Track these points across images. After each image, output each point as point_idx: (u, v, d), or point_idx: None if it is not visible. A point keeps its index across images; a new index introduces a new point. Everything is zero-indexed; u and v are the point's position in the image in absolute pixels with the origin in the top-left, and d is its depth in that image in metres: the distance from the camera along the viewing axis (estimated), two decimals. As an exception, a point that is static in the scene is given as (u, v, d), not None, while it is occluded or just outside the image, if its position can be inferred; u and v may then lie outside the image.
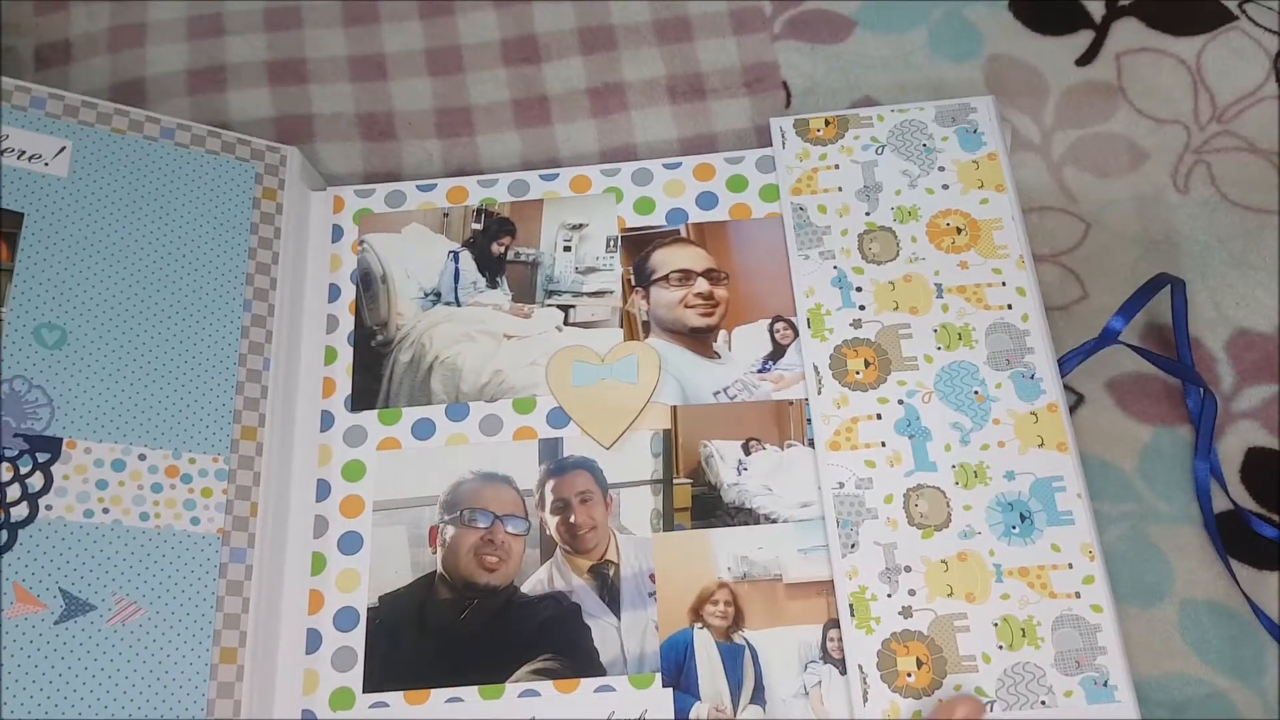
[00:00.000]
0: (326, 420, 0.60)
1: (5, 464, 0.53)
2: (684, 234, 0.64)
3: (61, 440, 0.55)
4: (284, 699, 0.55)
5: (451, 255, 0.64)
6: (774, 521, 0.57)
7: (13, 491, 0.53)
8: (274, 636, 0.56)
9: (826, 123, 0.65)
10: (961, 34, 0.72)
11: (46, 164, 0.58)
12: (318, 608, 0.57)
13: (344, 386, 0.61)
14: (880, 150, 0.63)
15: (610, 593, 0.57)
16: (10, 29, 0.74)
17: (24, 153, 0.58)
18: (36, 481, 0.54)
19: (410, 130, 0.72)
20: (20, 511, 0.53)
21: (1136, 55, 0.71)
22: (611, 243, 0.64)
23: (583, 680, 0.56)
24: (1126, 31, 0.71)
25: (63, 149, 0.59)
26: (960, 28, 0.73)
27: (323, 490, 0.59)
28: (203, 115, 0.71)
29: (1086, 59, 0.71)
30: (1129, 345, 0.61)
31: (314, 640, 0.56)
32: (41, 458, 0.54)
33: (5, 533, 0.53)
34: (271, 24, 0.74)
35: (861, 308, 0.60)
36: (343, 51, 0.74)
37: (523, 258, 0.64)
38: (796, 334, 0.61)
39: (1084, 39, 0.72)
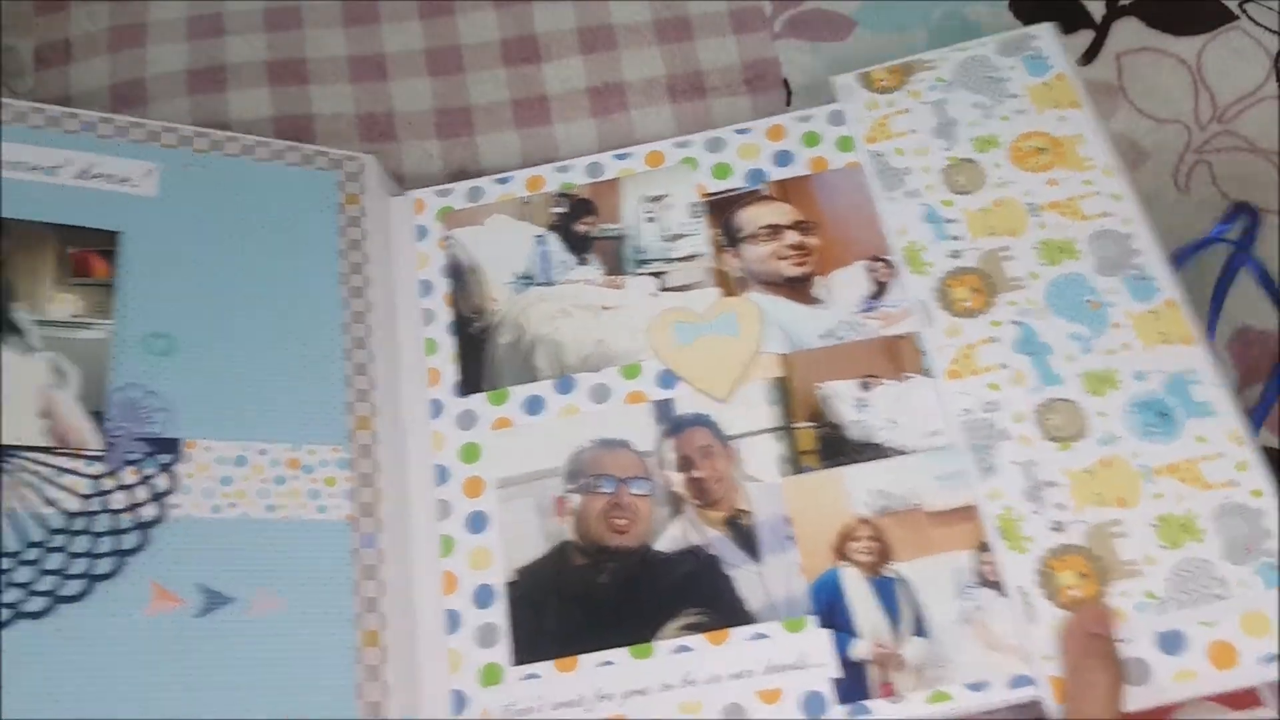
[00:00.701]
0: (436, 408, 0.61)
1: (129, 468, 0.54)
2: (765, 192, 0.65)
3: (180, 441, 0.55)
4: (430, 679, 0.54)
5: (538, 239, 0.65)
6: (904, 453, 0.57)
7: (140, 493, 0.54)
8: (412, 619, 0.55)
9: (889, 72, 0.67)
10: (962, 34, 0.73)
11: (136, 186, 0.60)
12: (452, 588, 0.56)
13: (449, 374, 0.62)
14: (948, 88, 0.65)
15: (747, 541, 0.57)
16: (10, 29, 0.75)
17: (114, 176, 0.60)
18: (162, 482, 0.54)
19: (410, 130, 0.73)
20: (149, 512, 0.53)
21: (1137, 55, 0.72)
22: (695, 209, 0.65)
23: (733, 630, 0.55)
24: (1127, 31, 0.73)
25: (150, 171, 0.61)
26: (960, 28, 0.74)
27: (441, 475, 0.59)
28: (202, 115, 0.72)
29: (1087, 59, 0.73)
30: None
31: (453, 620, 0.56)
32: (164, 459, 0.55)
33: (138, 534, 0.53)
34: (271, 24, 0.74)
35: (956, 238, 0.61)
36: (343, 51, 0.74)
37: (607, 233, 0.65)
38: (895, 271, 0.61)
39: (1084, 39, 0.73)
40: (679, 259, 0.64)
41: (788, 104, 0.73)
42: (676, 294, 0.63)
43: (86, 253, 0.58)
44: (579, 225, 0.65)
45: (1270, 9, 0.72)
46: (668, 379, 0.60)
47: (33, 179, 0.59)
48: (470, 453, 0.59)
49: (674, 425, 0.59)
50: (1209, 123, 0.70)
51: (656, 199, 0.65)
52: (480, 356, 0.62)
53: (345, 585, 0.54)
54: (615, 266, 0.64)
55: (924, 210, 0.62)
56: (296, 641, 0.53)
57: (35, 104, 0.61)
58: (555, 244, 0.65)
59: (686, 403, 0.60)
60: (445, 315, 0.63)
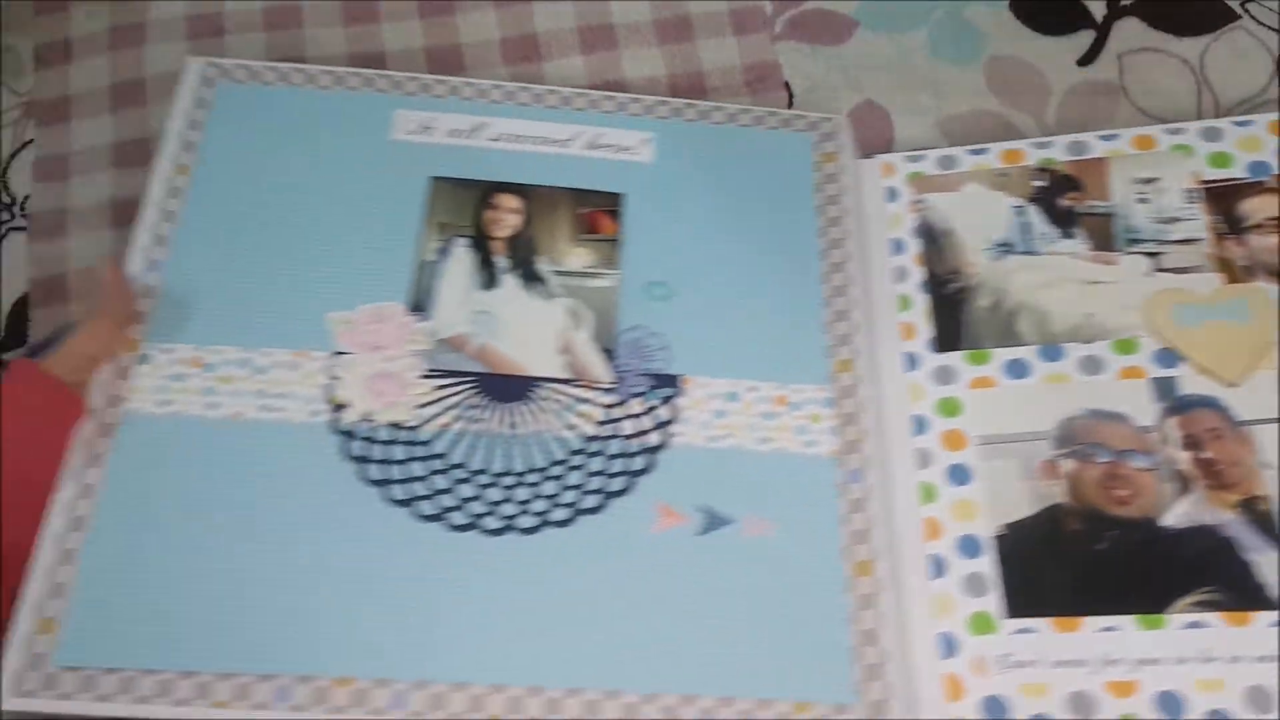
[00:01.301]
0: (912, 361, 0.61)
1: (636, 400, 0.58)
2: (1272, 184, 0.63)
3: (679, 377, 0.58)
4: (916, 619, 0.54)
5: (1017, 210, 0.65)
6: None
7: (645, 422, 0.57)
8: (894, 559, 0.56)
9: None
10: (962, 34, 0.73)
11: (636, 153, 0.66)
12: (936, 535, 0.56)
13: (924, 330, 0.62)
14: None
15: (1265, 527, 0.54)
16: (10, 29, 0.76)
17: (617, 145, 0.66)
18: (664, 414, 0.58)
19: None
20: (654, 439, 0.57)
21: (1138, 55, 0.71)
22: (1191, 194, 0.64)
23: (1255, 614, 0.51)
24: (1128, 31, 0.72)
25: (647, 140, 0.66)
26: (961, 28, 0.73)
27: (919, 425, 0.59)
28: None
29: (1088, 59, 0.72)
30: None
31: (937, 566, 0.55)
32: (665, 392, 0.58)
33: (644, 458, 0.56)
34: (271, 23, 0.75)
35: None
36: (343, 50, 0.75)
37: (1096, 210, 0.64)
38: None
39: (1085, 39, 0.72)
40: (1175, 241, 0.62)
41: (789, 105, 0.72)
42: (1173, 275, 0.61)
43: (596, 212, 0.63)
44: (1062, 200, 0.65)
45: (1271, 9, 0.71)
46: (1167, 357, 0.59)
47: (550, 150, 0.65)
48: (949, 407, 0.59)
49: (1178, 404, 0.57)
50: (1214, 124, 0.66)
51: (1148, 181, 0.64)
52: (957, 316, 0.62)
53: (832, 516, 0.55)
54: (1104, 243, 0.63)
55: None
56: (789, 565, 0.54)
57: (551, 87, 0.68)
58: (1036, 216, 0.64)
59: (1190, 383, 0.58)
60: (917, 274, 0.64)
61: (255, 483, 0.54)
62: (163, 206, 0.61)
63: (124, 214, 0.68)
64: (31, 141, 0.73)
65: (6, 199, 0.71)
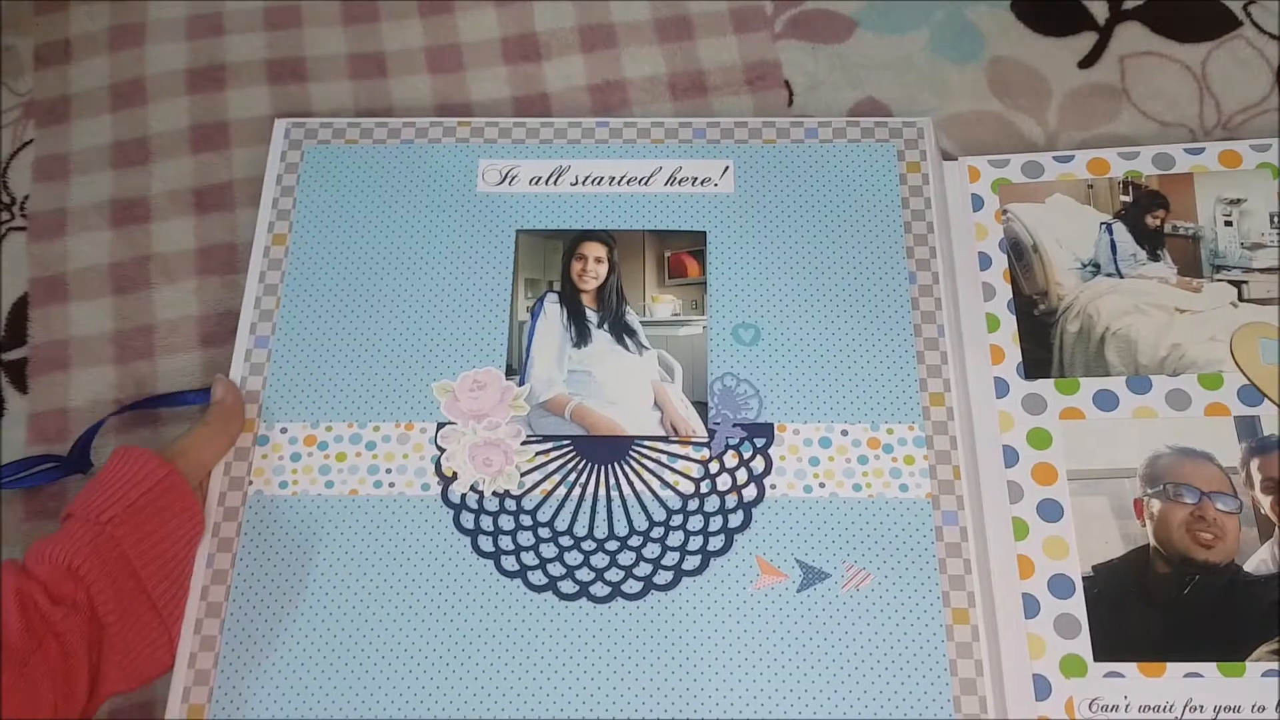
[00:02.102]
0: (1001, 387, 0.63)
1: (730, 451, 0.61)
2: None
3: (773, 425, 0.61)
4: (1012, 662, 0.57)
5: (1104, 227, 0.66)
6: None
7: (741, 475, 0.60)
8: (990, 600, 0.59)
9: None
10: (963, 35, 0.73)
11: (716, 184, 0.67)
12: (1029, 573, 0.59)
13: (1012, 354, 0.64)
14: None
15: (1346, 574, 0.56)
16: (10, 29, 0.77)
17: (697, 179, 0.67)
18: (758, 465, 0.60)
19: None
20: (750, 492, 0.60)
21: (1140, 59, 0.72)
22: (1275, 218, 0.64)
23: (1332, 662, 0.55)
24: (1130, 35, 0.73)
25: (726, 168, 0.67)
26: (962, 29, 0.74)
27: (1010, 456, 0.61)
28: (201, 114, 0.74)
29: (1089, 61, 0.72)
30: None
31: (1031, 605, 0.59)
32: (759, 442, 0.61)
33: (742, 513, 0.59)
34: (271, 23, 0.76)
35: None
36: (342, 50, 0.75)
37: (1181, 231, 0.65)
38: None
39: (1086, 41, 0.73)
40: (1260, 269, 0.63)
41: (789, 104, 0.73)
42: (1258, 307, 0.63)
43: (681, 254, 0.65)
44: (1149, 218, 0.66)
45: (1272, 14, 0.72)
46: (1250, 395, 0.61)
47: (633, 191, 0.66)
48: (1040, 439, 0.62)
49: (1260, 445, 0.60)
50: (1214, 128, 0.70)
51: (1234, 202, 0.65)
52: (1045, 341, 0.64)
53: (930, 563, 0.58)
54: (1190, 267, 0.64)
55: None
56: (887, 617, 0.57)
57: (628, 119, 0.69)
58: (1123, 234, 0.66)
59: (1273, 423, 0.60)
60: (1005, 292, 0.65)
61: (378, 559, 0.58)
62: (265, 280, 0.64)
63: (123, 214, 0.71)
64: (31, 141, 0.74)
65: (6, 199, 0.73)
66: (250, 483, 0.59)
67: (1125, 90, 0.72)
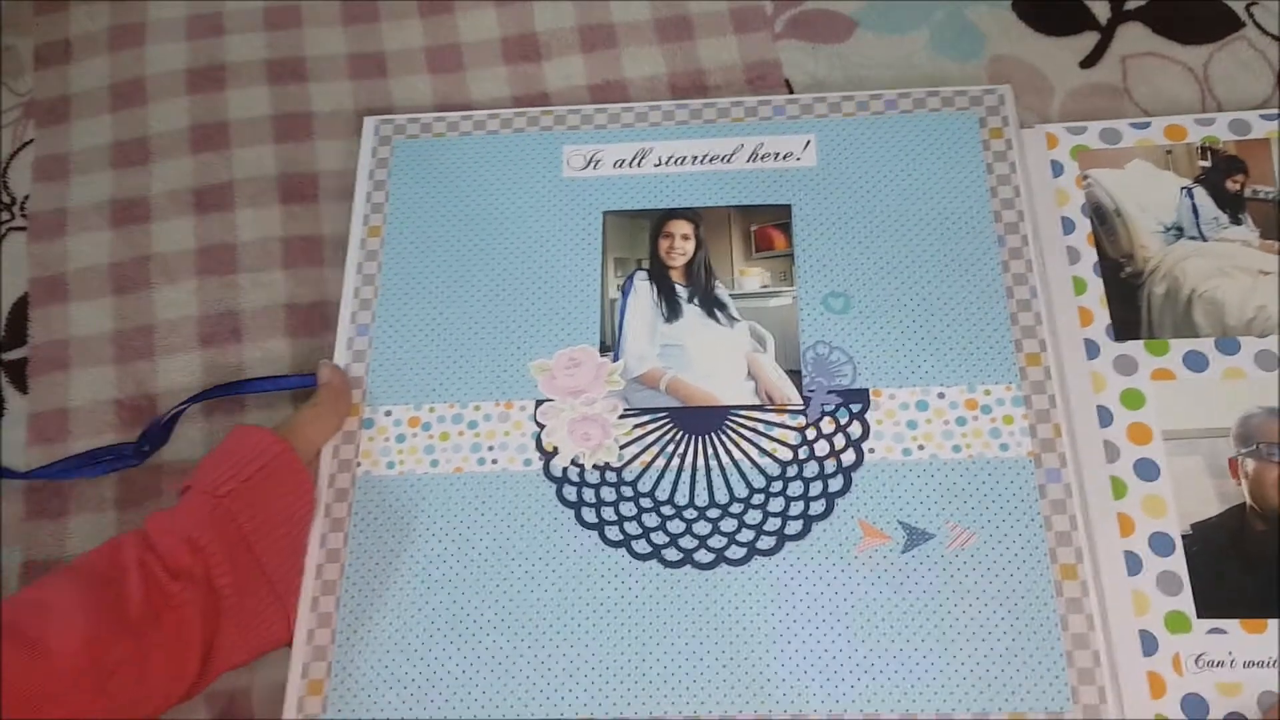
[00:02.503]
0: (1092, 349, 0.63)
1: (827, 418, 0.62)
2: None
3: (868, 390, 0.62)
4: (1118, 619, 0.58)
5: (1185, 191, 0.66)
6: None
7: (839, 441, 0.61)
8: (1096, 557, 0.59)
9: None
10: (963, 34, 0.74)
11: (799, 159, 0.68)
12: (1129, 531, 0.59)
13: (1100, 316, 0.64)
14: None
15: None
16: (10, 29, 0.77)
17: (779, 154, 0.68)
18: (855, 430, 0.61)
19: None
20: (849, 457, 0.61)
21: (1142, 59, 0.73)
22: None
23: None
24: (1131, 35, 0.73)
25: (808, 142, 0.68)
26: (962, 28, 0.74)
27: (1104, 417, 0.62)
28: (202, 114, 0.75)
29: (1091, 61, 0.73)
30: None
31: (1134, 563, 0.59)
32: (855, 408, 0.62)
33: (841, 477, 0.60)
34: (271, 23, 0.77)
35: None
36: (342, 50, 0.76)
37: (1261, 195, 0.66)
38: None
39: (1088, 41, 0.74)
40: (1345, 229, 0.63)
41: None
42: (1338, 267, 0.62)
43: (767, 228, 0.66)
44: (1229, 183, 0.66)
45: (1272, 13, 0.73)
46: (1337, 354, 0.60)
47: (716, 169, 0.68)
48: (1133, 399, 0.62)
49: (1348, 400, 0.59)
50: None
51: (1312, 165, 0.65)
52: (1134, 303, 0.64)
53: (1035, 520, 0.59)
54: (1272, 230, 0.65)
55: None
56: (995, 574, 0.58)
57: (708, 100, 0.70)
58: (1204, 199, 0.66)
59: (1360, 377, 0.59)
60: (1090, 255, 0.66)
61: (484, 533, 0.59)
62: (363, 271, 0.66)
63: (123, 214, 0.72)
64: (31, 141, 0.75)
65: (6, 199, 0.74)
66: (359, 464, 0.61)
67: (1127, 90, 0.72)
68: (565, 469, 0.61)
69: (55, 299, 0.71)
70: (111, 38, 0.77)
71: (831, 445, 0.61)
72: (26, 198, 0.74)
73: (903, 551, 0.58)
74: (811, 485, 0.60)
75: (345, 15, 0.77)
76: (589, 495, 0.60)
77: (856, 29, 0.75)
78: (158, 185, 0.73)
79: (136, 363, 0.69)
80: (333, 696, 0.56)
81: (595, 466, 0.61)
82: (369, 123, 0.70)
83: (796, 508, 0.59)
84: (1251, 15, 0.73)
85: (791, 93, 0.73)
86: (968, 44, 0.74)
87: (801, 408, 0.61)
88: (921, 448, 0.60)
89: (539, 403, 0.62)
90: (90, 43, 0.77)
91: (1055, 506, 0.58)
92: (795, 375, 0.62)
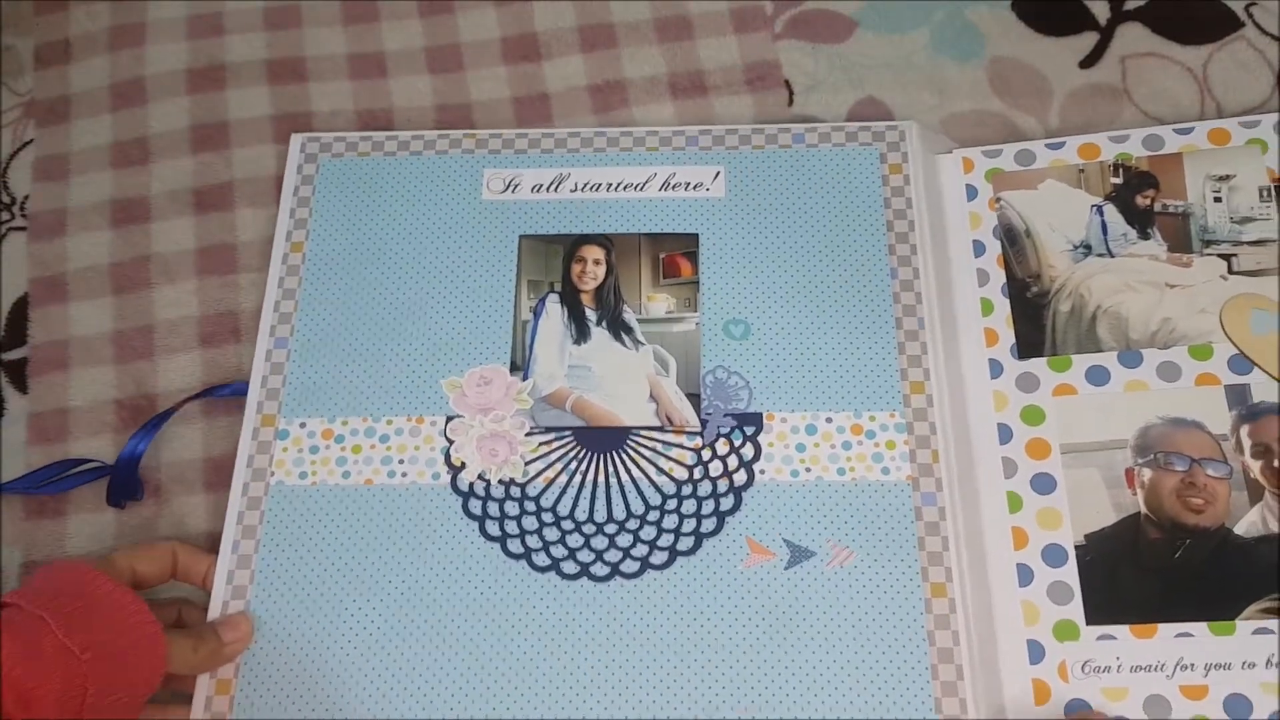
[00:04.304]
0: (995, 368, 0.66)
1: (722, 440, 0.65)
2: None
3: (762, 414, 0.65)
4: (1005, 628, 0.60)
5: (1095, 209, 0.69)
6: None
7: (731, 462, 0.65)
8: (982, 571, 0.62)
9: None
10: (963, 34, 0.76)
11: (708, 189, 0.72)
12: (1023, 544, 0.62)
13: (1006, 336, 0.67)
14: None
15: (1338, 534, 0.58)
16: (10, 29, 0.78)
17: (690, 184, 0.72)
18: (748, 451, 0.65)
19: (410, 128, 0.76)
20: (740, 477, 0.64)
21: (1142, 60, 0.75)
22: (1265, 192, 0.67)
23: (1326, 621, 0.56)
24: (1131, 36, 0.75)
25: (718, 174, 0.72)
26: (962, 28, 0.76)
27: (1004, 434, 0.65)
28: (202, 114, 0.77)
29: (1090, 61, 0.75)
30: None
31: (1025, 574, 0.61)
32: (749, 430, 0.65)
33: (733, 496, 0.64)
34: (271, 23, 0.79)
35: None
36: (342, 50, 0.78)
37: (1170, 209, 0.68)
38: None
39: (1088, 41, 0.76)
40: (1249, 243, 0.66)
41: (789, 104, 0.75)
42: (1248, 279, 0.66)
43: (674, 256, 0.70)
44: (1139, 198, 0.69)
45: (1273, 13, 0.74)
46: (1241, 364, 0.63)
47: (629, 196, 0.72)
48: (1033, 415, 0.65)
49: (1249, 411, 0.62)
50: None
51: (1223, 178, 0.67)
52: (1039, 322, 0.67)
53: (910, 541, 0.62)
54: (1181, 243, 0.67)
55: None
56: (869, 592, 0.61)
57: (625, 128, 0.74)
58: (1114, 215, 0.69)
59: (1262, 390, 0.62)
60: (999, 277, 0.69)
61: (391, 543, 0.63)
62: (284, 285, 0.70)
63: (123, 214, 0.74)
64: (31, 141, 0.77)
65: (6, 199, 0.76)
66: (272, 474, 0.65)
67: (1126, 90, 0.75)
68: (472, 484, 0.65)
69: (55, 299, 0.73)
70: (111, 38, 0.79)
71: (725, 466, 0.64)
72: (26, 198, 0.76)
73: (786, 568, 0.61)
74: (704, 503, 0.63)
75: (345, 15, 0.79)
76: (493, 509, 0.64)
77: (856, 29, 0.78)
78: (158, 185, 0.75)
79: (136, 363, 0.71)
80: (239, 697, 0.60)
81: (501, 481, 0.65)
82: (295, 140, 0.74)
83: (689, 525, 0.63)
84: (1251, 16, 0.76)
85: (791, 94, 0.76)
86: (967, 44, 0.77)
87: (699, 430, 0.65)
88: (809, 470, 0.63)
89: (449, 419, 0.66)
90: (90, 43, 0.79)
91: (929, 528, 0.61)
92: (695, 399, 0.66)
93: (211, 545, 0.64)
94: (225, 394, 0.68)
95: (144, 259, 0.74)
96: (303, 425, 0.66)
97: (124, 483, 0.67)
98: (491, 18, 0.79)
